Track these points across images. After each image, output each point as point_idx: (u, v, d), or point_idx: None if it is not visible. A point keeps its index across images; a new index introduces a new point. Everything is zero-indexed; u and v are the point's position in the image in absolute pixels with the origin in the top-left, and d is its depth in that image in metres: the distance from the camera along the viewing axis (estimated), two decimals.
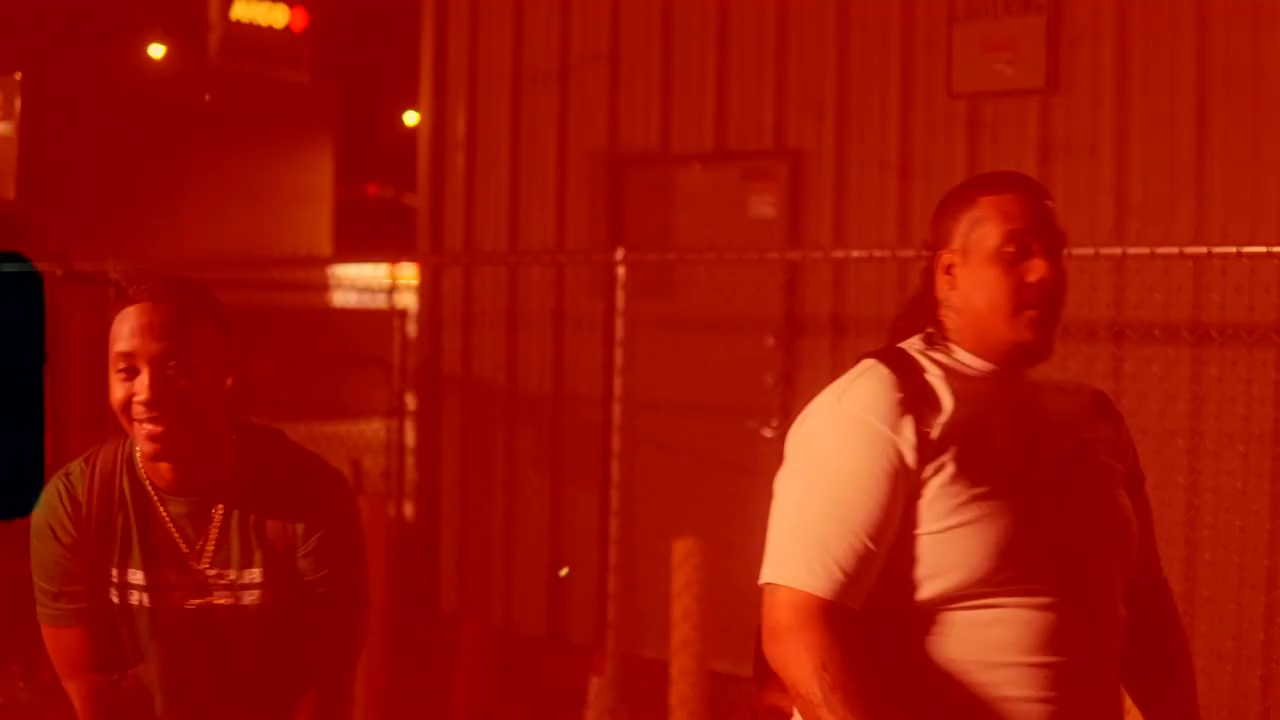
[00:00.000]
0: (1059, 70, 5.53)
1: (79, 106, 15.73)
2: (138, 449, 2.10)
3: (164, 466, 2.09)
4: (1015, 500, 1.85)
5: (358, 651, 2.23)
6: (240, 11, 17.92)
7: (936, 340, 1.98)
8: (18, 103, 15.26)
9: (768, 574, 1.88)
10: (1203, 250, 4.29)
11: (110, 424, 2.12)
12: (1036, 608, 1.84)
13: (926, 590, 1.85)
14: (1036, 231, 1.91)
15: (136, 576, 2.10)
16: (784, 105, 6.19)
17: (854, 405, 1.89)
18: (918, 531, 1.85)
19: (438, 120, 7.38)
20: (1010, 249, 1.90)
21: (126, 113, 16.19)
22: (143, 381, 1.99)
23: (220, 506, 2.11)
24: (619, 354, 4.69)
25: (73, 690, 2.15)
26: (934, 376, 1.92)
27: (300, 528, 2.12)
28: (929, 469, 1.85)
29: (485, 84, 7.22)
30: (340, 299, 12.63)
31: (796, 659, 1.80)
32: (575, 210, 6.84)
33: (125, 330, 2.02)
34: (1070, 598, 1.86)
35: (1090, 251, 4.28)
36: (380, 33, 20.17)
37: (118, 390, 2.04)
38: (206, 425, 2.07)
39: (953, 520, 1.84)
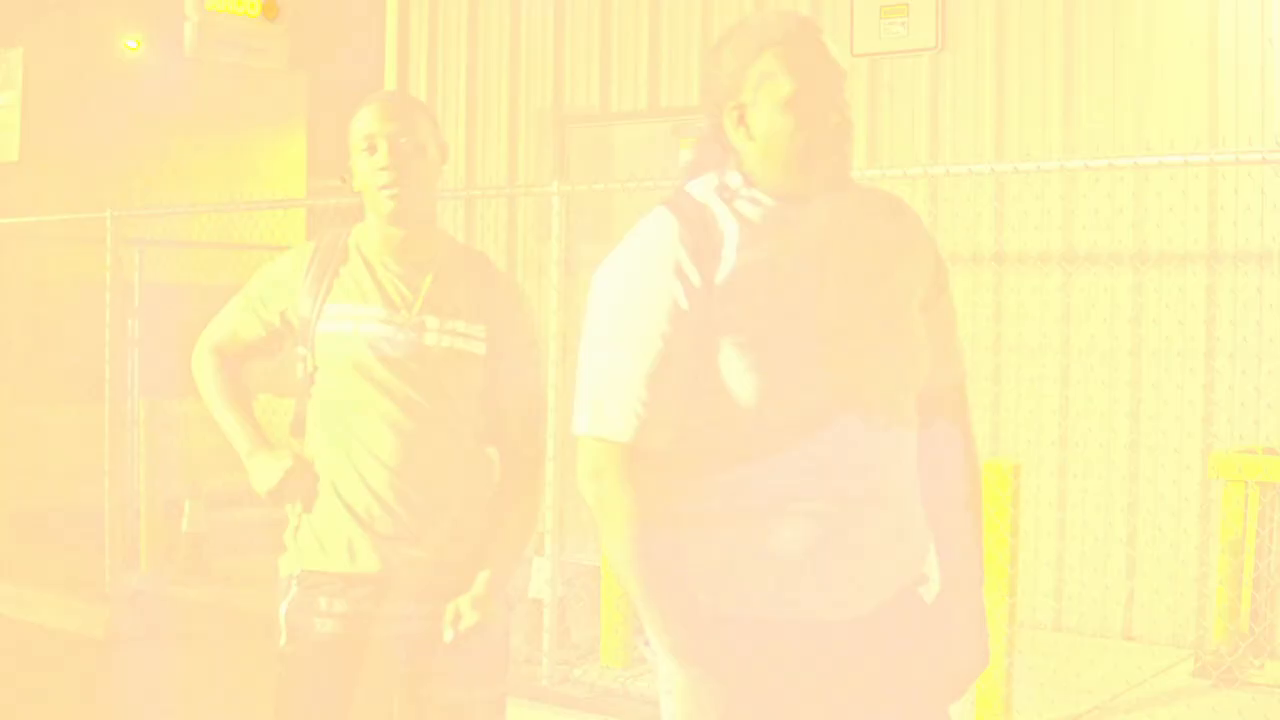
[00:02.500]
0: (947, 31, 6.26)
1: (74, 84, 16.31)
2: (374, 216, 2.51)
3: (391, 234, 2.48)
4: (795, 344, 1.90)
5: (545, 422, 2.63)
6: (215, 2, 18.48)
7: (733, 182, 1.97)
8: (20, 75, 15.81)
9: (576, 425, 1.93)
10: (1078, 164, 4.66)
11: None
12: (813, 453, 1.89)
13: (711, 433, 1.90)
14: (822, 77, 1.92)
15: (359, 312, 2.47)
16: None
17: (643, 256, 1.92)
18: (705, 374, 1.88)
19: None
20: (804, 99, 1.90)
21: (114, 96, 16.76)
22: (382, 151, 2.46)
23: (430, 276, 2.52)
24: (556, 272, 5.33)
25: (211, 358, 2.58)
26: (726, 221, 1.93)
27: (500, 303, 2.54)
28: (716, 314, 1.87)
29: (444, 70, 7.94)
30: None
31: (604, 508, 1.89)
32: (526, 162, 7.56)
33: (364, 118, 2.49)
34: (848, 435, 1.90)
35: (985, 168, 4.72)
36: (352, 23, 20.71)
37: (361, 164, 2.47)
38: (427, 197, 2.52)
39: (736, 364, 1.87)
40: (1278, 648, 5.12)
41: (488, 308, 2.55)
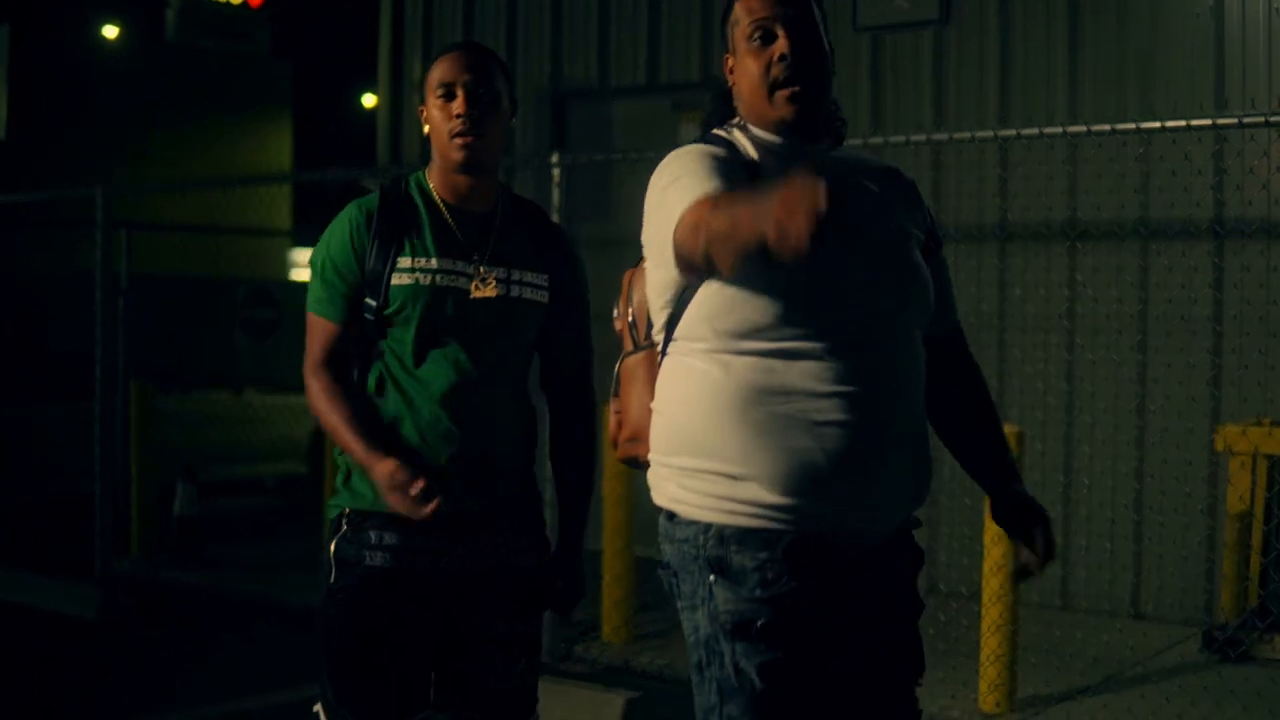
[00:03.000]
0: (951, 2, 6.23)
1: (59, 67, 16.23)
2: (443, 163, 2.53)
3: (458, 182, 2.51)
4: (819, 268, 1.93)
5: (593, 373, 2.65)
6: None
7: (738, 125, 2.15)
8: (6, 53, 15.70)
9: (678, 249, 1.92)
10: (1081, 129, 4.57)
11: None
12: (834, 350, 1.96)
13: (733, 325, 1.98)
14: (776, 16, 2.09)
15: (431, 263, 2.49)
16: (709, 40, 6.88)
17: (693, 147, 2.07)
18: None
19: (394, 99, 8.02)
20: (756, 36, 2.09)
21: (97, 81, 16.70)
22: (459, 99, 2.48)
23: (496, 226, 2.55)
24: None
25: (315, 381, 2.53)
26: (746, 149, 2.10)
27: (559, 253, 2.58)
28: None
29: (440, 45, 7.86)
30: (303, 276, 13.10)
31: (713, 230, 1.81)
32: (524, 138, 7.51)
33: (444, 66, 2.52)
34: (869, 344, 2.00)
35: (989, 133, 4.71)
36: (338, 12, 20.68)
37: (437, 114, 2.50)
38: (496, 148, 2.54)
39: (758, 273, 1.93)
40: None
41: (548, 257, 2.59)
